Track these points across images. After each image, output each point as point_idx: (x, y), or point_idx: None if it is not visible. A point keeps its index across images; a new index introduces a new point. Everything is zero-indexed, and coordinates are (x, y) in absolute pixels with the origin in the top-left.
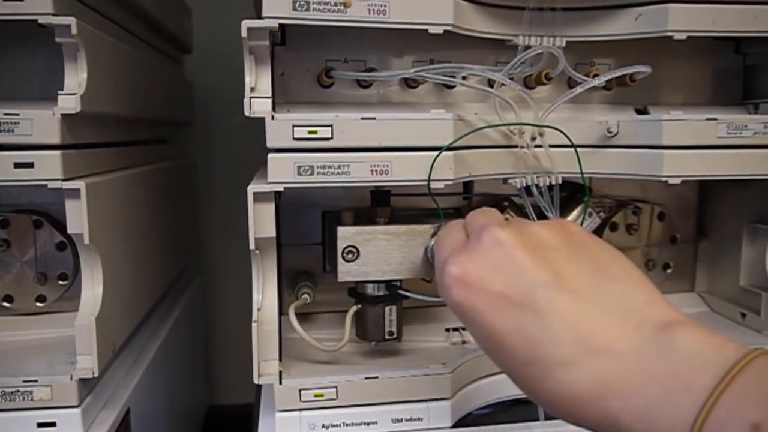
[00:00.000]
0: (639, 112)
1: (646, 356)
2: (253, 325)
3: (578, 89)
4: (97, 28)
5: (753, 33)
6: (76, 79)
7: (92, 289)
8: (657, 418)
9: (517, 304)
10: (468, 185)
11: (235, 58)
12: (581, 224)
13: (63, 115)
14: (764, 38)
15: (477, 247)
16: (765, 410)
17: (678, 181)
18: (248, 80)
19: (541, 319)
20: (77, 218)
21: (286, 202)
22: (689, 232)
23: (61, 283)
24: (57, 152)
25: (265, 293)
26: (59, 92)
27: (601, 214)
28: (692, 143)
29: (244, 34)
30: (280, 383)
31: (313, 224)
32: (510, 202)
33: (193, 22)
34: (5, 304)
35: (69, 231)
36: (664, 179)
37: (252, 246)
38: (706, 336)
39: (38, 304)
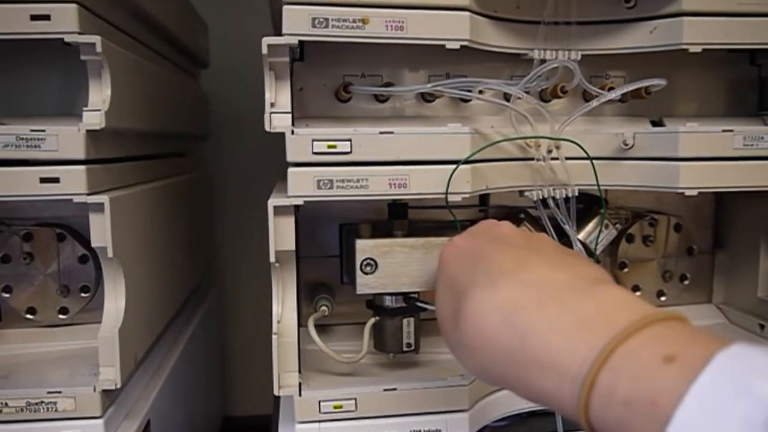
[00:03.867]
0: (654, 123)
1: (569, 292)
2: (273, 337)
3: (595, 102)
4: (120, 45)
5: (767, 45)
6: (100, 95)
7: (115, 301)
8: (567, 337)
9: (478, 258)
10: (484, 198)
11: (248, 72)
12: (598, 236)
13: (88, 131)
14: None
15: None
16: (681, 347)
17: (695, 192)
18: (268, 96)
19: (488, 259)
20: (101, 232)
21: (303, 214)
22: (706, 244)
23: (83, 295)
24: (82, 167)
25: (284, 305)
26: (84, 108)
27: (618, 225)
28: (708, 155)
29: (264, 50)
30: (300, 395)
31: (330, 236)
32: (526, 214)
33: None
34: (29, 316)
35: (93, 244)
36: (680, 191)
37: (272, 259)
38: (635, 297)
39: (61, 316)
